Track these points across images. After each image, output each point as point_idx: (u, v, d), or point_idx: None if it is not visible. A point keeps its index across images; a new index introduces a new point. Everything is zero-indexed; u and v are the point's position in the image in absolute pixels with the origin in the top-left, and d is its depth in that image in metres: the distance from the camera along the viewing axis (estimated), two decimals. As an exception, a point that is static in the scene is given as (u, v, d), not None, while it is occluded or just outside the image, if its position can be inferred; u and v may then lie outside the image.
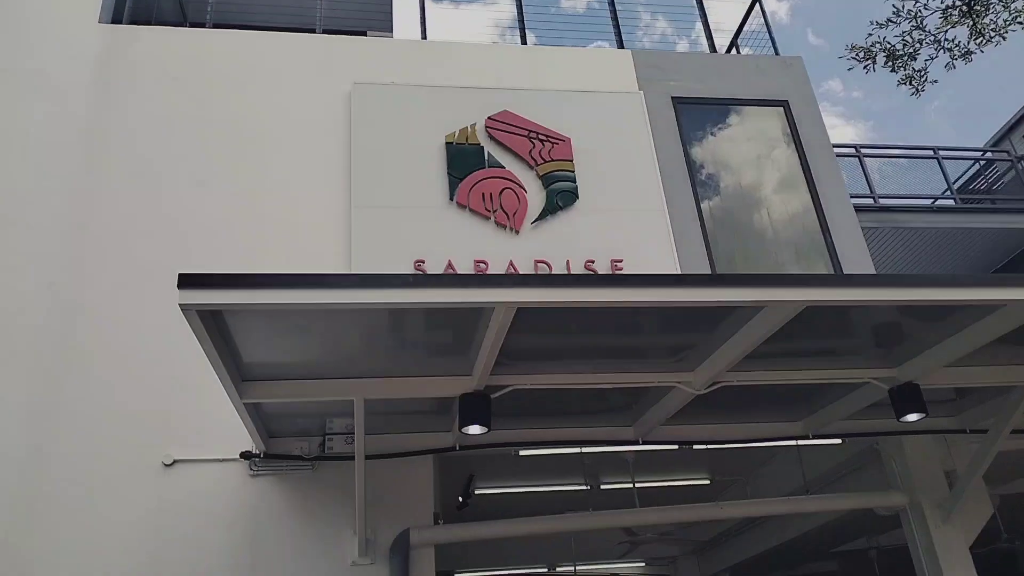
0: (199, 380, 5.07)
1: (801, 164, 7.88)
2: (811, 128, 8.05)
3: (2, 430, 5.46)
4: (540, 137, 7.38)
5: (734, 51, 9.44)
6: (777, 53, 8.80)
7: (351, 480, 5.13)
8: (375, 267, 6.50)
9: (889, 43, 3.05)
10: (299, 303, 3.45)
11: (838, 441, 6.46)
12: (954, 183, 11.69)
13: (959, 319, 4.57)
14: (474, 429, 4.69)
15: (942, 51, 3.00)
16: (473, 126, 7.33)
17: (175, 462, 5.52)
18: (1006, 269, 11.96)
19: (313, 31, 8.85)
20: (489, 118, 7.39)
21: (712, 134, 8.11)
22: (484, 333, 4.01)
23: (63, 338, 5.89)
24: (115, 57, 7.30)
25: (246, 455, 5.54)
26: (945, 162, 11.80)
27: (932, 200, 11.26)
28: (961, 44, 2.96)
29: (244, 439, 5.45)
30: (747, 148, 8.05)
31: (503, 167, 7.20)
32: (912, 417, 5.13)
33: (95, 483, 5.38)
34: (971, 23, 2.85)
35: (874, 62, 3.18)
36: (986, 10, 2.86)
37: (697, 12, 9.12)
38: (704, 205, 7.50)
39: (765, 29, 9.14)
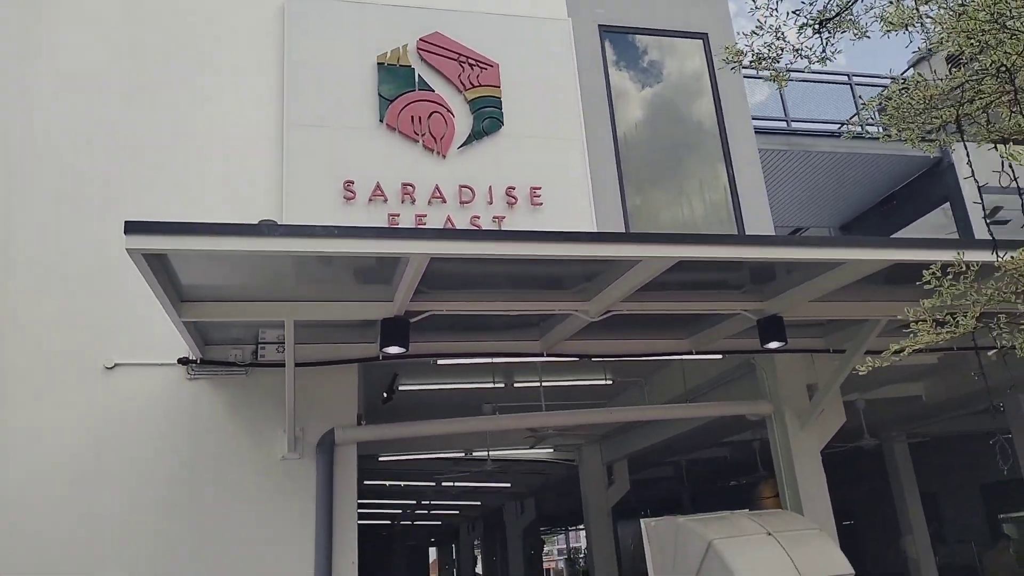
0: (138, 290, 5.49)
1: (713, 97, 8.39)
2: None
3: (-52, 333, 5.81)
4: (470, 62, 7.66)
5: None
6: (703, -17, 9.10)
7: (282, 385, 5.72)
8: (307, 186, 6.86)
9: (755, 49, 3.51)
10: (233, 250, 3.91)
11: (719, 357, 7.35)
12: (861, 110, 12.39)
13: (816, 267, 5.33)
14: (393, 349, 5.31)
15: (800, 57, 3.48)
16: (405, 47, 7.55)
17: (116, 365, 5.99)
18: (900, 194, 12.94)
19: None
20: (421, 39, 7.61)
21: (634, 64, 8.50)
22: (403, 273, 4.55)
23: (3, 245, 6.15)
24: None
25: (183, 361, 6.04)
26: (858, 88, 12.45)
27: (839, 125, 11.96)
28: (817, 52, 3.44)
29: (181, 345, 5.94)
30: (665, 79, 8.49)
31: (433, 90, 7.50)
32: (773, 345, 5.98)
33: (41, 385, 5.83)
34: (822, 39, 3.32)
35: (740, 63, 3.65)
36: (836, 28, 3.33)
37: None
38: (620, 133, 7.99)
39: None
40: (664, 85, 8.52)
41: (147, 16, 7.22)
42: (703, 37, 8.59)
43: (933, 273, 3.08)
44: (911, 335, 3.11)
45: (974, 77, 2.96)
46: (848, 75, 12.46)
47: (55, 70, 6.82)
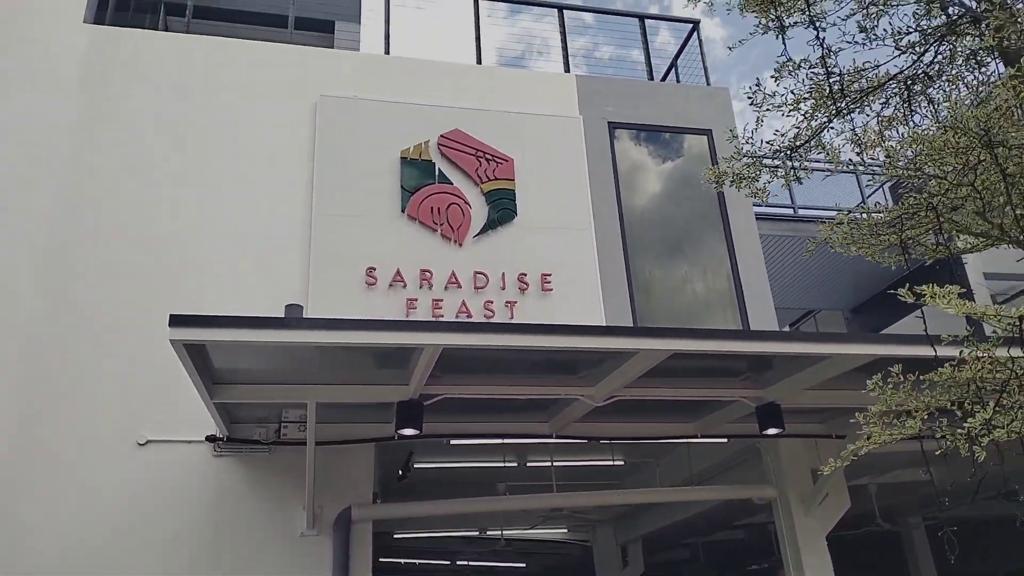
0: (171, 371, 5.92)
1: (716, 191, 8.84)
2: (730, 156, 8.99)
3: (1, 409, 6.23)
4: (486, 156, 8.20)
5: (672, 76, 10.29)
6: (708, 83, 9.68)
7: (302, 462, 6.04)
8: (332, 271, 7.33)
9: (735, 171, 3.93)
10: (263, 341, 4.31)
11: (724, 441, 7.57)
12: (869, 198, 12.80)
13: (807, 360, 5.62)
14: (408, 431, 5.63)
15: (776, 178, 3.91)
16: (426, 143, 8.12)
17: (148, 442, 6.36)
18: (912, 277, 13.17)
19: (285, 19, 9.49)
20: (441, 136, 8.18)
21: (641, 158, 9.01)
22: (417, 360, 4.92)
23: (51, 326, 6.63)
24: (100, 57, 7.86)
25: (211, 438, 6.40)
26: (863, 178, 12.89)
27: (846, 212, 12.34)
28: (791, 174, 3.86)
29: (209, 424, 6.30)
30: (671, 173, 8.98)
31: (451, 183, 8.02)
32: (772, 431, 6.22)
33: (78, 459, 6.20)
34: (793, 168, 3.75)
35: (721, 183, 4.08)
36: (805, 156, 3.76)
37: (640, 39, 9.93)
38: (627, 224, 8.43)
39: (708, 55, 10.01)
40: (670, 176, 9.00)
41: (194, 105, 7.84)
42: (707, 133, 9.11)
43: (876, 383, 3.38)
44: (865, 436, 3.38)
45: (909, 210, 3.34)
46: (855, 165, 12.90)
47: (112, 154, 7.41)
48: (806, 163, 4.24)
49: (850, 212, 4.26)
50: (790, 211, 12.16)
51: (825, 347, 5.11)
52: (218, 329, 4.28)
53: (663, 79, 10.24)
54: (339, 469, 6.47)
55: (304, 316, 6.32)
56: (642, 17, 10.14)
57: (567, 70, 9.49)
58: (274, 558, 6.10)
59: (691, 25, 10.19)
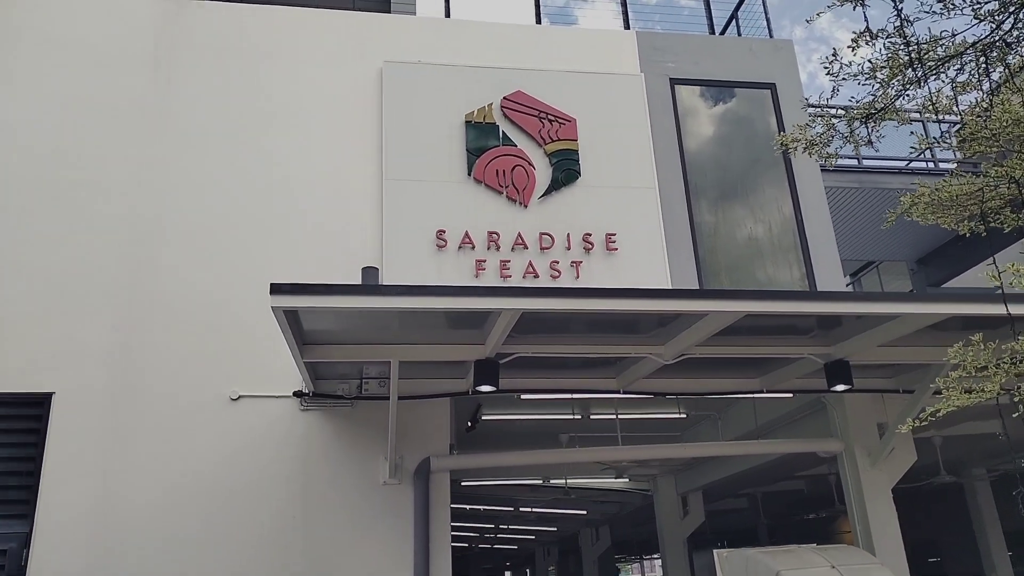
0: (259, 330, 6.39)
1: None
2: (794, 110, 8.90)
3: (100, 370, 6.71)
4: (549, 117, 8.30)
5: (733, 28, 10.14)
6: (771, 35, 9.54)
7: (383, 416, 6.39)
8: (403, 234, 7.58)
9: (808, 138, 3.99)
10: (352, 307, 4.60)
11: (789, 396, 7.69)
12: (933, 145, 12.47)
13: (875, 318, 5.68)
14: (485, 388, 5.91)
15: (848, 143, 3.95)
16: (490, 106, 8.24)
17: (240, 397, 6.79)
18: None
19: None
20: (504, 98, 8.29)
21: (704, 114, 8.98)
22: (495, 323, 5.16)
23: (145, 292, 7.05)
24: (168, 29, 8.13)
25: (298, 394, 6.79)
26: (932, 128, 12.55)
27: (906, 163, 12.09)
28: (863, 138, 3.90)
29: (296, 380, 6.69)
30: (733, 128, 8.94)
31: (515, 145, 8.16)
32: (840, 388, 6.32)
33: (175, 414, 6.65)
34: (868, 129, 3.78)
35: (792, 150, 4.14)
36: (880, 122, 3.79)
37: (701, -10, 9.79)
38: (690, 181, 8.47)
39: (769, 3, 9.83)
40: (733, 131, 8.96)
41: (263, 75, 8.07)
42: (771, 87, 9.01)
43: (957, 350, 3.46)
44: (943, 400, 3.49)
45: (992, 182, 3.37)
46: (920, 112, 12.56)
47: (182, 127, 7.73)
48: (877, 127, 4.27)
49: (928, 170, 4.24)
50: (854, 162, 11.96)
51: (896, 307, 5.17)
52: (313, 296, 4.58)
53: (723, 32, 10.10)
54: (418, 422, 6.82)
55: (380, 279, 6.63)
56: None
57: (626, 26, 9.44)
58: (359, 505, 6.51)
59: (753, -26, 10.00)
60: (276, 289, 4.45)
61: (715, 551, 4.82)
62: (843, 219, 12.49)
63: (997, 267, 4.20)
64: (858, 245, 13.83)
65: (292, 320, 4.99)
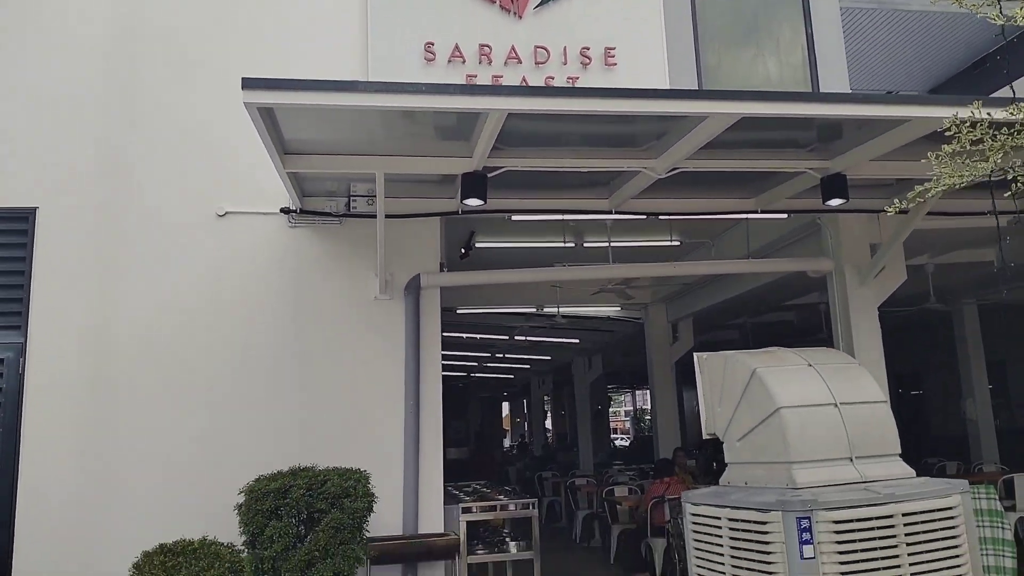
0: (245, 147, 6.19)
1: (796, -48, 8.17)
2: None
3: (85, 186, 6.57)
4: (545, -83, 7.64)
5: None
6: None
7: (372, 234, 6.34)
8: (390, 47, 7.20)
9: None
10: (331, 104, 4.39)
11: (783, 216, 7.60)
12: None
13: (880, 125, 5.47)
14: (472, 202, 5.80)
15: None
16: (481, -97, 7.57)
17: (227, 213, 6.70)
18: (994, 56, 12.35)
19: None
20: None
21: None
22: (482, 127, 4.96)
23: (128, 108, 6.78)
24: None
25: (285, 210, 6.70)
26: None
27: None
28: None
29: (283, 197, 6.58)
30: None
31: (508, -52, 7.57)
32: (835, 202, 6.22)
33: (162, 230, 6.59)
34: None
35: None
36: None
37: None
38: (696, -5, 7.96)
39: None
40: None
41: None
42: None
43: (953, 121, 3.30)
44: (934, 179, 3.37)
45: None
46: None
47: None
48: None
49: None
50: (872, -22, 11.22)
51: (904, 110, 4.93)
52: (288, 92, 4.35)
53: None
54: (407, 241, 6.78)
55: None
56: None
57: None
58: (352, 318, 6.59)
59: None
60: (249, 84, 4.22)
61: (695, 353, 4.89)
62: (856, 46, 11.91)
63: (1014, 90, 3.96)
64: (870, 75, 13.29)
65: (269, 122, 4.79)
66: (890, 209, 3.64)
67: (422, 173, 6.03)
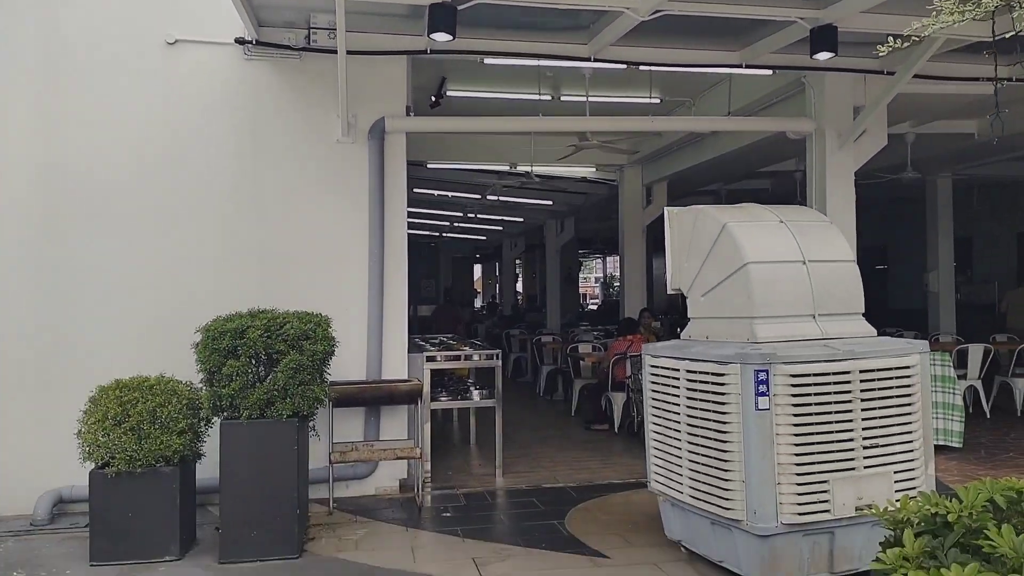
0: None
1: None
2: None
3: (18, 5, 6.02)
4: None
5: None
6: None
7: (334, 71, 5.94)
8: None
9: None
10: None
11: (768, 72, 7.28)
12: None
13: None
14: (441, 36, 5.41)
15: None
16: None
17: (177, 41, 6.22)
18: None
19: None
20: None
21: None
22: (451, -52, 4.52)
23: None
24: None
25: (240, 40, 6.23)
26: None
27: None
28: None
29: (237, 26, 6.10)
30: None
31: None
32: (823, 56, 5.91)
33: (104, 59, 6.11)
34: None
35: None
36: None
37: None
38: None
39: None
40: None
41: None
42: None
43: None
44: (935, 12, 3.11)
45: None
46: None
47: None
48: None
49: None
50: None
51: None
52: None
53: None
54: (372, 81, 6.40)
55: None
56: None
57: None
58: (313, 161, 6.31)
59: None
60: None
61: (665, 208, 4.73)
62: None
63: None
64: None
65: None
66: (883, 48, 3.40)
67: (386, 0, 5.57)
